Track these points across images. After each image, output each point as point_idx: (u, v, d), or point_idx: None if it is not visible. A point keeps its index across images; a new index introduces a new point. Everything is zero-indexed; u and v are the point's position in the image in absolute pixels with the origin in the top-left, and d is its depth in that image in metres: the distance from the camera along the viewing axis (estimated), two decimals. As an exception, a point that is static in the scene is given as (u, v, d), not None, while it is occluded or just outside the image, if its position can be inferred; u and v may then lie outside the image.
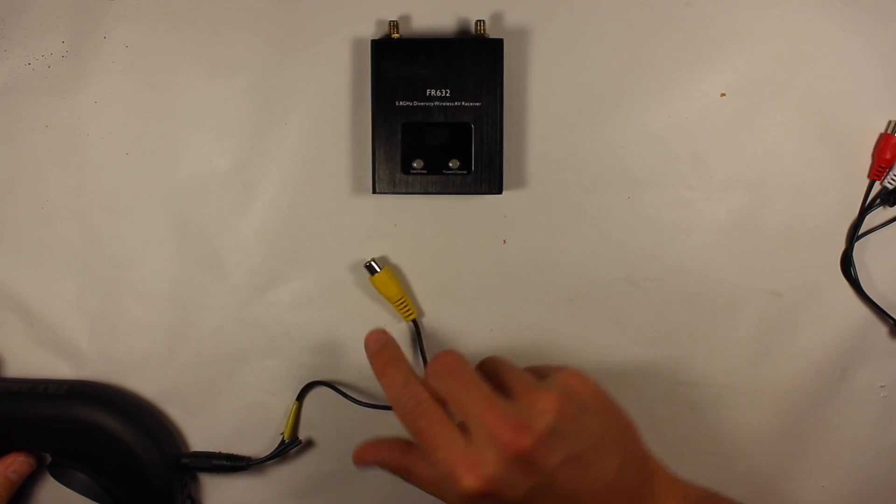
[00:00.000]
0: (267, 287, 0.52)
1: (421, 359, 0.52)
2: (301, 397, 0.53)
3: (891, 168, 0.50)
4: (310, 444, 0.54)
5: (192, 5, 0.50)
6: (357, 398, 0.52)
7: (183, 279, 0.52)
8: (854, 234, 0.51)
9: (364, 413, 0.53)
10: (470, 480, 0.35)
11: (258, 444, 0.54)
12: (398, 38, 0.48)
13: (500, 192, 0.48)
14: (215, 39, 0.50)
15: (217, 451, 0.53)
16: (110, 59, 0.51)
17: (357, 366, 0.53)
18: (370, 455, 0.42)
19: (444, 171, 0.48)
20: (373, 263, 0.51)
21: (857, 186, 0.51)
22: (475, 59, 0.47)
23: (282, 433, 0.53)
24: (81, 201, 0.52)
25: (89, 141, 0.51)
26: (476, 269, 0.52)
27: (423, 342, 0.52)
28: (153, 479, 0.50)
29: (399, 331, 0.53)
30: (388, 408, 0.52)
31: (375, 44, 0.47)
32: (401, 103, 0.47)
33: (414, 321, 0.52)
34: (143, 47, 0.51)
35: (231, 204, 0.51)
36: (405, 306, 0.51)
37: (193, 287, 0.52)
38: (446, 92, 0.47)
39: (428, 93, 0.47)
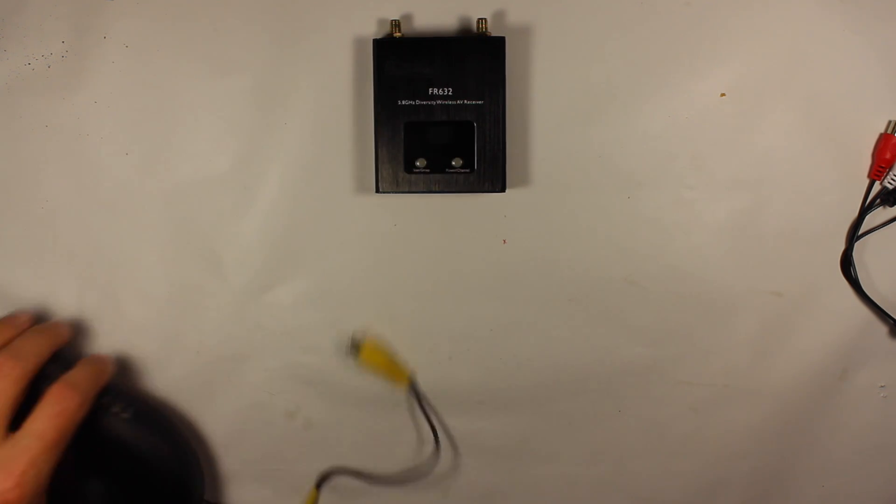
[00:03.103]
0: (267, 287, 0.52)
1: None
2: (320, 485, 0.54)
3: (891, 168, 0.50)
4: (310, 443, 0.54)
5: (193, 5, 0.50)
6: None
7: (183, 279, 0.52)
8: (854, 234, 0.51)
9: (365, 413, 0.53)
10: None
11: (258, 446, 0.54)
12: (400, 38, 0.48)
13: (503, 190, 0.48)
14: (216, 39, 0.50)
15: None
16: (110, 59, 0.51)
17: (357, 366, 0.53)
18: None
19: (448, 170, 0.48)
20: (355, 339, 0.52)
21: (857, 186, 0.51)
22: (477, 58, 0.47)
23: None
24: (81, 201, 0.51)
25: (89, 141, 0.51)
26: (476, 269, 0.52)
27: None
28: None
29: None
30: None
31: (377, 43, 0.47)
32: (403, 102, 0.47)
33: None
34: (143, 47, 0.50)
35: (232, 204, 0.51)
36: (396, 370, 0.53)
37: (193, 287, 0.52)
38: (448, 90, 0.47)
39: (430, 91, 0.47)
